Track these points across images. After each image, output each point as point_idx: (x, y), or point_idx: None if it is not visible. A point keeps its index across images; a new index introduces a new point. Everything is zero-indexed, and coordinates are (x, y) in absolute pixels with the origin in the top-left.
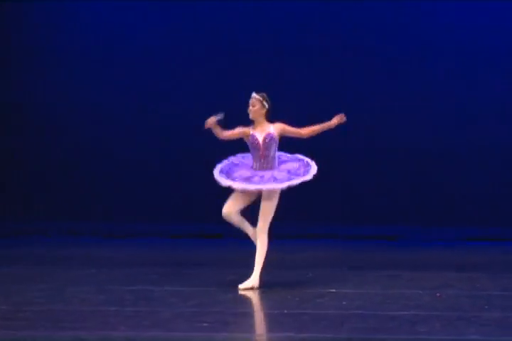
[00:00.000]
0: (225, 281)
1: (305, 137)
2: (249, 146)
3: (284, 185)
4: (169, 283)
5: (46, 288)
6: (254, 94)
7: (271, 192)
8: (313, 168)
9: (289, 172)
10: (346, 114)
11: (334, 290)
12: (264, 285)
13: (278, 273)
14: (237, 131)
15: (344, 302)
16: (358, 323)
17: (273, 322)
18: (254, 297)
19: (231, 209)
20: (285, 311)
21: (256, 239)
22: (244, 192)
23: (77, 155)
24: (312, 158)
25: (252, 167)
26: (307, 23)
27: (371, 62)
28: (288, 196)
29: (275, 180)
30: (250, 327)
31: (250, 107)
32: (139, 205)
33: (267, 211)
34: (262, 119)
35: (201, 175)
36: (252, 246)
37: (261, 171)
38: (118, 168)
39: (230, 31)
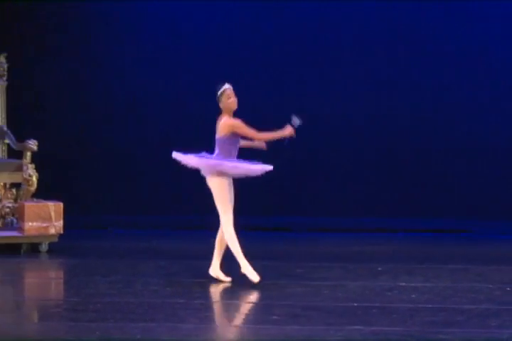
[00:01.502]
0: (293, 274)
1: (256, 140)
2: (234, 138)
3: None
4: (239, 276)
5: (116, 280)
6: (229, 86)
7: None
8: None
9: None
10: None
11: (404, 284)
12: (334, 279)
13: (348, 266)
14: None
15: (413, 296)
16: (428, 317)
17: (342, 315)
18: (323, 290)
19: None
20: (354, 304)
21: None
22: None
23: (143, 148)
24: (383, 154)
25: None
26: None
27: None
28: (360, 190)
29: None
30: (320, 320)
31: (233, 98)
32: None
33: (216, 199)
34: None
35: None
36: (321, 240)
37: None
38: None
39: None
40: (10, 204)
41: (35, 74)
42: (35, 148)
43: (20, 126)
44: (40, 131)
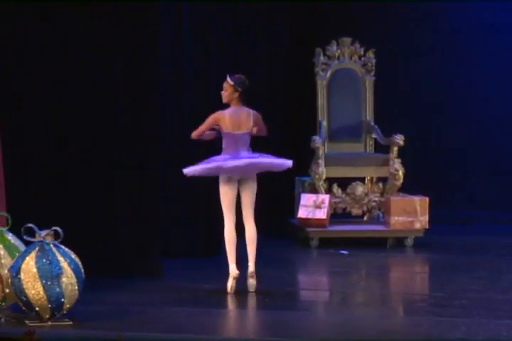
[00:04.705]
0: None
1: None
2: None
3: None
4: None
5: (481, 276)
6: (227, 78)
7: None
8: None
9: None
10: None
11: None
12: None
13: None
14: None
15: None
16: None
17: None
18: None
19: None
20: None
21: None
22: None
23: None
24: None
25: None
26: None
27: None
28: None
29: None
30: None
31: (222, 91)
32: None
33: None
34: (237, 103)
35: None
36: None
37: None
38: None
39: None
40: (376, 199)
41: (401, 70)
42: (401, 142)
43: (387, 121)
44: (407, 126)
